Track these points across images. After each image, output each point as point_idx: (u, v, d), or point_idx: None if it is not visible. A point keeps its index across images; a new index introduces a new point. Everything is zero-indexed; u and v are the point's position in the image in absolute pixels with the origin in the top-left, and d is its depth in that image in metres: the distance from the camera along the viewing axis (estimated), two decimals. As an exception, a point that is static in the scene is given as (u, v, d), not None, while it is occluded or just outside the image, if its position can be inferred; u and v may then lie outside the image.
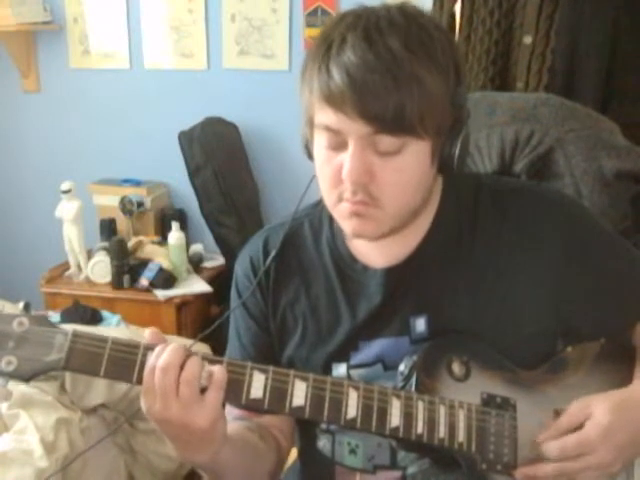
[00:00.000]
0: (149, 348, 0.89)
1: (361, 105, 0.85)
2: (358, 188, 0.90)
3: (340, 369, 1.04)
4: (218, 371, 0.88)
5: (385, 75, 0.85)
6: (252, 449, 1.04)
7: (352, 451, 1.06)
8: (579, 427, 0.93)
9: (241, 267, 1.12)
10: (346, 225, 0.96)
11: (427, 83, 0.86)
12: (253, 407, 0.91)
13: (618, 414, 0.93)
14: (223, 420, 0.91)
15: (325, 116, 0.90)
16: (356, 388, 0.92)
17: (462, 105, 0.94)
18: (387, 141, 0.88)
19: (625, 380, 1.01)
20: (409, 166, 0.91)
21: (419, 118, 0.87)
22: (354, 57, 0.85)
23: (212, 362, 0.90)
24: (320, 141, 0.93)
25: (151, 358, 0.88)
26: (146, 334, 0.92)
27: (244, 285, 1.11)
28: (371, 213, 0.93)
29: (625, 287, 1.07)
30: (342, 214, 0.96)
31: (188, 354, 0.88)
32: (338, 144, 0.91)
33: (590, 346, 1.04)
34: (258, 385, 0.90)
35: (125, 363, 0.88)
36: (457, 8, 2.23)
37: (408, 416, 0.92)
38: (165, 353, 0.87)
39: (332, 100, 0.87)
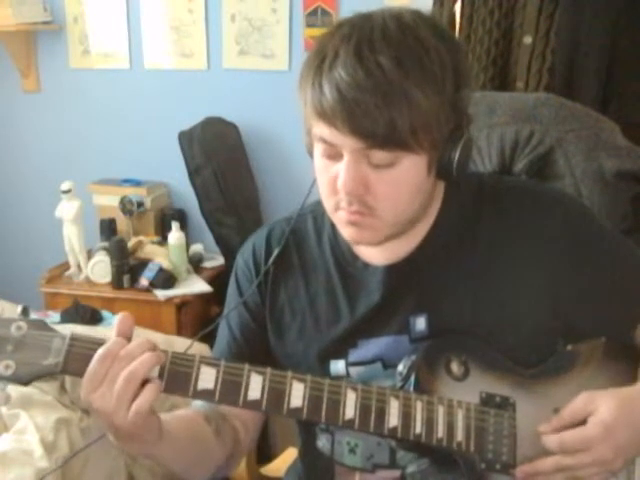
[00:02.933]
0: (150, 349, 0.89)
1: (351, 122, 0.86)
2: (353, 199, 0.91)
3: (338, 365, 1.04)
4: (150, 388, 0.87)
5: (375, 93, 0.85)
6: (198, 446, 1.03)
7: (351, 450, 1.06)
8: (582, 422, 0.93)
9: (242, 256, 1.14)
10: (344, 232, 0.98)
11: (419, 99, 0.86)
12: (251, 409, 0.91)
13: (622, 412, 0.92)
14: (150, 430, 0.90)
15: (320, 129, 0.91)
16: (354, 389, 0.92)
17: (464, 110, 0.93)
18: (380, 155, 0.89)
19: (626, 379, 1.01)
20: (404, 178, 0.91)
21: (411, 134, 0.87)
22: (345, 74, 0.85)
23: (209, 365, 0.90)
24: (318, 150, 0.95)
25: (122, 346, 0.87)
26: (116, 318, 0.92)
27: (243, 274, 1.12)
28: (368, 222, 0.94)
29: (626, 286, 1.06)
30: (340, 222, 0.97)
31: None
32: (334, 154, 0.92)
33: (591, 345, 1.04)
34: (256, 387, 0.90)
35: None
36: (457, 8, 2.24)
37: (406, 416, 0.92)
38: (133, 343, 0.88)
39: (324, 116, 0.88)
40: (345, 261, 1.06)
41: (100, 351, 0.87)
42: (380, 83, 0.85)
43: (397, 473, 1.04)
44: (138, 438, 0.90)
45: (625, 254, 1.08)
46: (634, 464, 0.99)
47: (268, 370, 0.91)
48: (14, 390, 1.90)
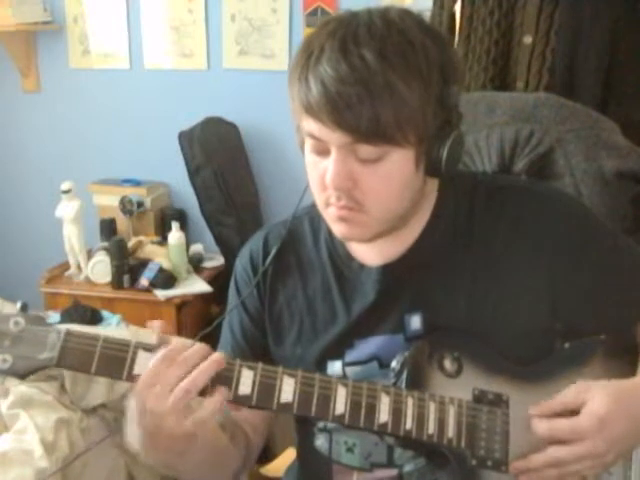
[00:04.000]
0: (140, 346, 0.91)
1: (336, 116, 0.86)
2: (341, 194, 0.92)
3: (335, 366, 1.04)
4: (214, 399, 0.88)
5: (358, 86, 0.85)
6: (219, 453, 1.03)
7: (349, 449, 1.06)
8: (575, 411, 0.92)
9: (241, 261, 1.15)
10: (335, 228, 0.98)
11: (403, 93, 0.86)
12: (241, 403, 0.92)
13: (616, 405, 0.92)
14: (196, 438, 0.90)
15: (308, 124, 0.91)
16: (345, 385, 0.92)
17: (452, 106, 0.93)
18: (366, 149, 0.89)
19: (625, 377, 1.00)
20: (392, 173, 0.91)
21: (396, 128, 0.87)
22: (329, 68, 0.86)
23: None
24: (307, 146, 0.95)
25: (168, 348, 0.89)
26: (155, 324, 0.93)
27: (242, 279, 1.13)
28: (357, 218, 0.94)
29: (625, 285, 1.06)
30: (330, 218, 0.97)
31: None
32: (322, 150, 0.92)
33: (589, 343, 1.04)
34: (246, 381, 0.91)
35: (115, 361, 0.90)
36: (457, 8, 2.23)
37: (397, 412, 0.92)
38: (191, 349, 0.89)
39: (310, 111, 0.89)
40: (341, 262, 1.07)
41: (163, 351, 0.89)
42: (363, 76, 0.85)
43: (394, 472, 1.04)
44: (173, 447, 0.90)
45: (625, 253, 1.08)
46: (631, 459, 0.99)
47: (259, 365, 0.92)
48: (15, 390, 1.91)
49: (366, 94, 0.85)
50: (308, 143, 0.94)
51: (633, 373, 1.02)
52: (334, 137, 0.89)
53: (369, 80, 0.85)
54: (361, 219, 0.94)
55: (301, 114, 0.91)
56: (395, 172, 0.92)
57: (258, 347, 1.11)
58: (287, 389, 0.91)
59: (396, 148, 0.89)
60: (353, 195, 0.92)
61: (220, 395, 0.89)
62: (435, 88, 0.89)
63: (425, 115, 0.89)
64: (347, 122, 0.86)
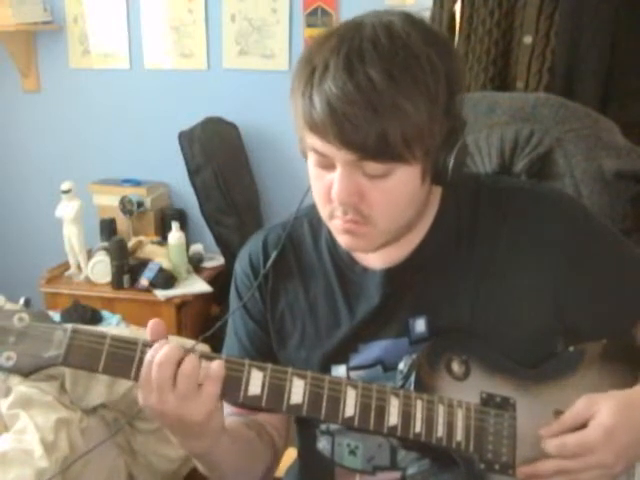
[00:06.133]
0: (148, 345, 0.90)
1: (342, 136, 0.85)
2: (348, 208, 0.91)
3: (339, 370, 1.04)
4: (216, 365, 0.89)
5: (365, 106, 0.84)
6: (249, 445, 1.04)
7: (352, 452, 1.06)
8: (583, 425, 0.93)
9: (240, 265, 1.13)
10: (340, 239, 0.97)
11: (410, 111, 0.85)
12: (251, 404, 0.92)
13: (623, 415, 0.92)
14: (219, 413, 0.91)
15: (312, 140, 0.90)
16: (354, 386, 0.92)
17: (458, 115, 0.93)
18: (373, 166, 0.88)
19: (628, 381, 1.00)
20: (398, 188, 0.91)
21: (403, 145, 0.86)
22: (335, 88, 0.84)
23: (210, 359, 0.90)
24: (311, 159, 0.94)
25: (150, 351, 0.89)
26: (149, 324, 0.92)
27: (243, 283, 1.12)
28: (363, 231, 0.93)
29: (626, 286, 1.06)
30: (335, 229, 0.97)
31: (187, 352, 0.89)
32: (327, 165, 0.91)
33: (592, 346, 1.04)
34: (256, 382, 0.90)
35: (124, 359, 0.89)
36: (457, 8, 2.23)
37: (406, 415, 0.92)
38: (164, 348, 0.88)
39: (315, 129, 0.88)
40: (344, 265, 1.06)
41: (146, 358, 0.88)
42: (370, 97, 0.84)
43: (397, 475, 1.04)
44: (205, 433, 0.91)
45: (625, 254, 1.08)
46: (634, 467, 0.99)
47: (269, 366, 0.92)
48: (14, 390, 1.90)
49: (373, 114, 0.84)
50: (312, 157, 0.93)
51: (634, 375, 1.02)
52: (340, 154, 0.88)
53: (376, 100, 0.84)
54: (367, 231, 0.94)
55: (305, 129, 0.90)
56: (402, 186, 0.91)
57: (265, 349, 1.10)
58: (297, 391, 0.91)
59: (403, 164, 0.89)
60: (359, 209, 0.91)
61: (219, 362, 0.89)
62: (442, 101, 0.88)
63: (432, 130, 0.88)
64: (354, 142, 0.85)
